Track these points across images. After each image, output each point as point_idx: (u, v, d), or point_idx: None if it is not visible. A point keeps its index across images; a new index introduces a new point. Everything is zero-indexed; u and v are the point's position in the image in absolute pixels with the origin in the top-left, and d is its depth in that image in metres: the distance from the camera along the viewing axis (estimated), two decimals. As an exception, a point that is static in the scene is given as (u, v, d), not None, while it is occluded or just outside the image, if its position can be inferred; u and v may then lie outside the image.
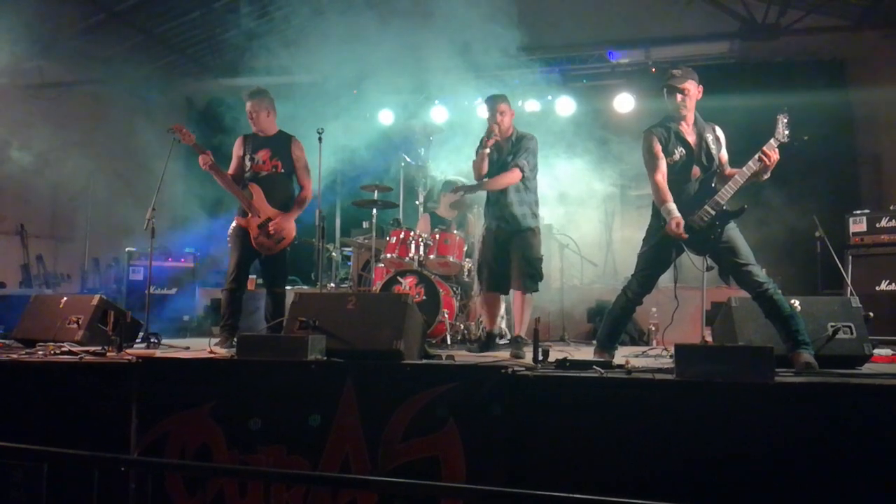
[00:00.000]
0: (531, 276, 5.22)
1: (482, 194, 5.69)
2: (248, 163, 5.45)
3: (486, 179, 5.35)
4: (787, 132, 4.07)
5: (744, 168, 4.09)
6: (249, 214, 5.32)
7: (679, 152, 4.24)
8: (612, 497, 2.01)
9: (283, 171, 5.45)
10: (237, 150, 5.56)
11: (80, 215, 9.74)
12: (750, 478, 3.17)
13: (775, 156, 4.02)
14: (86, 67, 9.74)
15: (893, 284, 6.19)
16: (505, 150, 5.38)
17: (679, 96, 4.27)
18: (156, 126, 5.37)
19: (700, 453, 3.24)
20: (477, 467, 3.49)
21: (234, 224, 5.42)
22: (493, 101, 5.41)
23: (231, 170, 5.49)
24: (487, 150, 5.23)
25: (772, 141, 4.04)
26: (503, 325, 6.22)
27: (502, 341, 5.98)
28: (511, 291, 5.41)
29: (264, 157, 5.43)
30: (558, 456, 3.44)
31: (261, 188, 5.37)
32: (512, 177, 5.25)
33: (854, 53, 8.88)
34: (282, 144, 5.50)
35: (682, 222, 4.10)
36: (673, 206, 4.14)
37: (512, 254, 5.25)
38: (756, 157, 4.04)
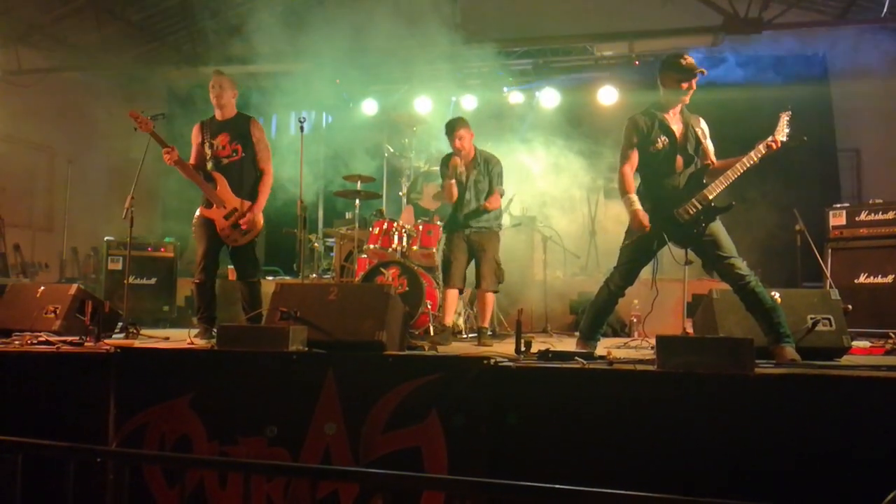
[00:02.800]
0: (497, 276, 5.71)
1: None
2: (207, 150, 5.31)
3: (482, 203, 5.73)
4: (787, 131, 4.08)
5: (736, 165, 4.08)
6: (214, 205, 5.24)
7: (662, 141, 4.22)
8: (594, 488, 2.01)
9: (244, 154, 5.31)
10: (195, 137, 5.41)
11: (58, 204, 9.62)
12: (730, 467, 3.19)
13: (776, 146, 4.06)
14: (64, 55, 9.60)
15: (872, 277, 6.25)
16: (474, 173, 5.73)
17: (693, 83, 4.22)
18: (136, 114, 5.26)
19: (680, 443, 3.25)
20: (459, 458, 3.49)
21: (197, 214, 5.32)
22: (451, 127, 5.77)
23: (192, 159, 5.37)
24: (453, 181, 5.65)
25: (770, 138, 4.05)
26: (460, 321, 6.49)
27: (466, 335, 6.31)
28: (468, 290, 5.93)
29: (223, 142, 5.30)
30: (539, 447, 3.45)
31: (225, 177, 5.26)
32: (497, 202, 5.78)
33: (835, 47, 8.95)
34: (240, 127, 5.35)
35: (647, 216, 4.15)
36: (635, 197, 4.19)
37: (481, 255, 5.66)
38: (762, 146, 4.04)
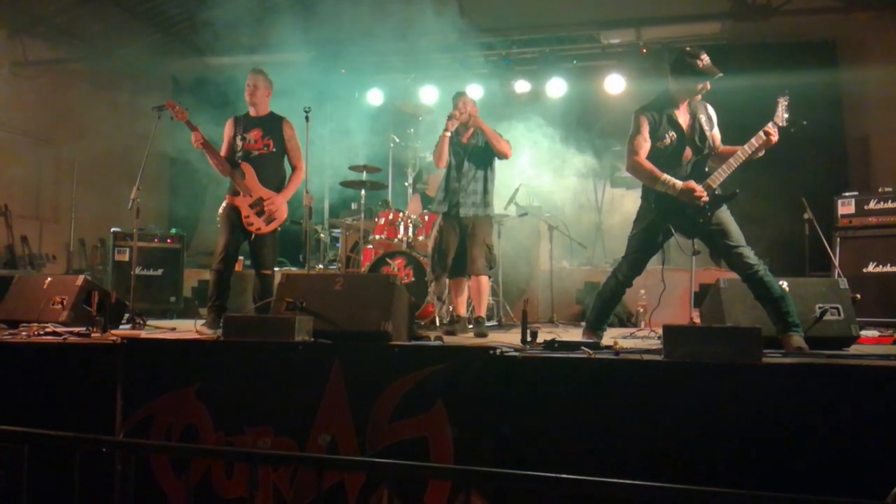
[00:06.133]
0: (488, 259, 5.48)
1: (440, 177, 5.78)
2: (238, 142, 5.39)
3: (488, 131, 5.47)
4: (786, 115, 4.03)
5: (738, 152, 4.05)
6: (241, 194, 5.27)
7: (670, 136, 4.18)
8: (600, 477, 2.00)
9: (274, 150, 5.40)
10: (228, 131, 5.49)
11: (65, 195, 9.63)
12: (737, 457, 3.18)
13: (776, 136, 4.00)
14: (70, 45, 9.60)
15: (881, 266, 6.21)
16: (472, 142, 5.55)
17: (708, 84, 4.18)
18: (141, 104, 5.28)
19: (687, 433, 3.24)
20: (465, 448, 3.49)
21: (224, 203, 5.37)
22: (458, 94, 5.65)
23: (222, 152, 5.43)
24: (448, 134, 5.43)
25: (770, 124, 4.01)
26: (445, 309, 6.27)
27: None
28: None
29: (255, 137, 5.38)
30: (546, 436, 3.44)
31: (252, 168, 5.32)
32: (507, 145, 5.52)
33: (844, 35, 8.85)
34: (273, 125, 5.45)
35: (692, 181, 4.04)
36: (668, 176, 4.07)
37: (471, 239, 5.44)
38: (759, 133, 3.99)
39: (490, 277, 5.73)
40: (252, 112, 5.48)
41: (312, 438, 3.68)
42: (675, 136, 4.19)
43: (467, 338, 5.07)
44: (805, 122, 4.10)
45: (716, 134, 4.31)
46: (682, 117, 4.24)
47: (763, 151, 4.07)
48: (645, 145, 4.18)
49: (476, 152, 5.54)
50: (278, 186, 5.40)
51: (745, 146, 4.04)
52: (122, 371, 3.98)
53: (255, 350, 3.86)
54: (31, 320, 4.97)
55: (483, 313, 5.46)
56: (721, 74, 4.14)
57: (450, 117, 5.46)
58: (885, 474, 2.46)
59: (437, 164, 5.59)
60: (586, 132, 8.96)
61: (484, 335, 5.02)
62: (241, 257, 7.27)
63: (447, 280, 5.60)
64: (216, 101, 7.72)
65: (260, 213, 5.27)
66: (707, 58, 4.17)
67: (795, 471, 3.09)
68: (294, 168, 5.52)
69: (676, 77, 4.23)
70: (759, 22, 8.21)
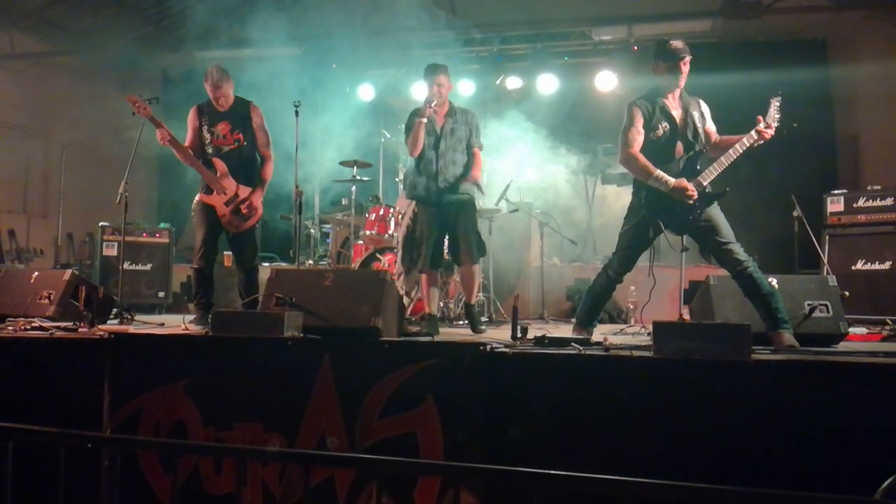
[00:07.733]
0: (478, 245, 5.19)
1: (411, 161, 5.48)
2: (206, 135, 5.21)
3: (472, 176, 5.20)
4: (778, 116, 4.04)
5: (730, 151, 4.05)
6: (214, 192, 5.16)
7: (663, 127, 4.18)
8: (589, 473, 2.00)
9: (246, 143, 5.24)
10: (192, 121, 5.28)
11: (53, 189, 9.57)
12: (725, 453, 3.19)
13: (770, 132, 4.02)
14: (58, 39, 9.52)
15: (869, 264, 6.23)
16: (449, 121, 5.20)
17: (683, 67, 4.17)
18: (131, 98, 5.21)
19: (677, 429, 3.25)
20: (454, 444, 3.48)
21: (197, 199, 5.23)
22: (433, 69, 5.16)
23: (188, 142, 5.24)
24: (424, 120, 5.04)
25: (761, 125, 4.02)
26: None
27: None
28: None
29: (224, 131, 5.21)
30: (535, 432, 3.44)
31: (225, 164, 5.17)
32: (480, 162, 5.27)
33: (835, 33, 8.89)
34: (240, 114, 5.27)
35: (684, 179, 4.05)
36: (661, 172, 4.07)
37: (459, 226, 5.14)
38: (752, 132, 4.01)
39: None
40: (218, 106, 5.25)
41: (302, 434, 3.67)
42: (667, 127, 4.19)
43: (462, 333, 5.06)
44: (796, 125, 4.11)
45: (710, 128, 4.31)
46: (675, 111, 4.24)
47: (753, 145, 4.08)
48: (638, 138, 4.18)
49: (453, 135, 5.18)
50: (251, 179, 5.25)
51: (737, 145, 4.05)
52: (110, 366, 3.95)
53: (244, 345, 3.84)
54: (18, 315, 4.92)
55: (474, 300, 5.28)
56: (689, 56, 4.15)
57: (427, 102, 5.02)
58: (873, 470, 2.46)
59: (412, 153, 5.19)
60: (577, 129, 8.96)
61: (481, 331, 4.96)
62: (229, 253, 7.24)
63: (417, 274, 5.31)
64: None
65: (236, 212, 5.14)
66: (677, 42, 4.20)
67: (784, 467, 3.10)
68: (263, 157, 5.32)
69: (654, 67, 4.26)
70: (750, 20, 8.23)
